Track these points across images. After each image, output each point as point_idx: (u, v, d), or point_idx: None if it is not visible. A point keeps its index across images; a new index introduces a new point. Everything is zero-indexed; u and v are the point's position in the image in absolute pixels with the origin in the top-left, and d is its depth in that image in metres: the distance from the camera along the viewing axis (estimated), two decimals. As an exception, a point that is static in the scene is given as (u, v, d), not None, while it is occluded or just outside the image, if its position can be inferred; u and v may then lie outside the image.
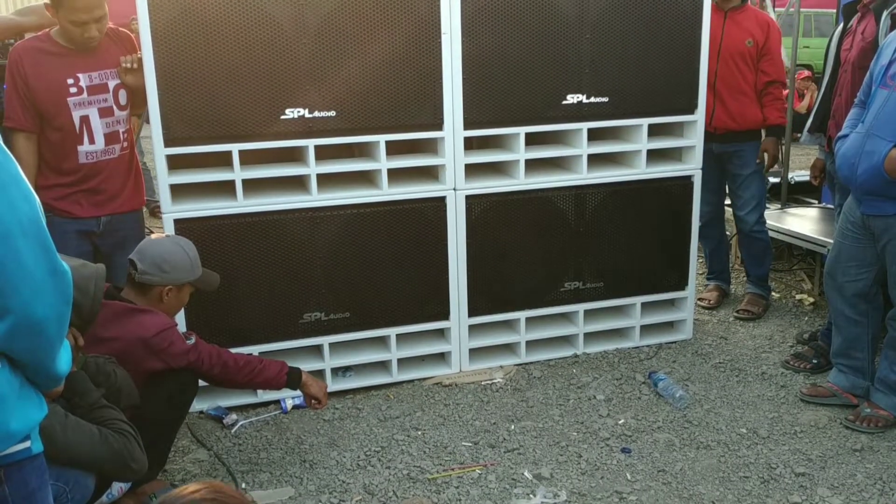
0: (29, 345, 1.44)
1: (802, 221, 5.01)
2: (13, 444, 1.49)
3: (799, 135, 4.58)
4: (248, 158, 3.46)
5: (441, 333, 3.94)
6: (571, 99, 3.76)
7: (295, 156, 3.65)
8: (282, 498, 2.95)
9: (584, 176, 3.87)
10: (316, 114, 3.43)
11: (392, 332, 3.77)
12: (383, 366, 3.86)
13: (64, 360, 1.57)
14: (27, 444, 1.53)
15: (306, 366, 3.36)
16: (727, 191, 4.72)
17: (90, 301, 2.23)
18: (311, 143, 3.45)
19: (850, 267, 3.42)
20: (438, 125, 3.60)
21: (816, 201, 5.53)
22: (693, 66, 3.92)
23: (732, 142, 4.44)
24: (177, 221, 3.37)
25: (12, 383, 1.47)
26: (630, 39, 3.78)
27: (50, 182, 3.35)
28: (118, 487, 2.70)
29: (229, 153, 3.38)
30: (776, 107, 4.38)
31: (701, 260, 5.14)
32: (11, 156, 1.43)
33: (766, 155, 4.47)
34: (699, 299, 4.73)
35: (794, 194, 5.65)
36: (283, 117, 3.40)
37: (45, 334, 1.45)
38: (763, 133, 4.48)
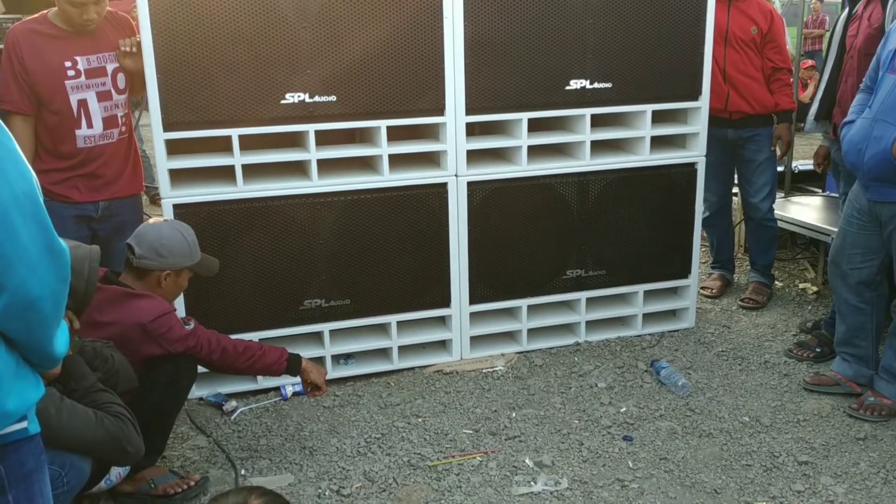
0: (24, 323, 1.42)
1: (806, 210, 4.98)
2: (9, 425, 1.46)
3: (802, 124, 4.55)
4: (248, 143, 3.42)
5: (442, 321, 3.91)
6: (575, 84, 3.73)
7: (295, 141, 3.62)
8: (281, 485, 2.93)
9: (587, 162, 3.84)
10: (316, 98, 3.40)
11: (392, 319, 3.75)
12: (384, 353, 3.84)
13: (61, 341, 1.54)
14: (24, 424, 1.50)
15: (306, 353, 3.33)
16: (737, 179, 4.70)
17: (84, 283, 2.20)
18: (311, 128, 3.42)
19: (855, 255, 3.39)
20: (440, 110, 3.57)
21: (820, 190, 5.50)
22: (697, 52, 3.88)
23: (748, 126, 4.43)
24: (176, 207, 3.34)
25: (8, 363, 1.44)
26: (634, 25, 3.74)
27: (47, 166, 3.32)
28: (116, 473, 2.69)
29: (229, 138, 3.34)
30: (785, 92, 4.40)
31: (704, 248, 5.11)
32: (7, 131, 1.41)
33: (779, 142, 4.46)
34: (702, 288, 4.71)
35: (798, 183, 5.62)
36: (283, 102, 3.36)
37: (41, 313, 1.42)
38: (775, 119, 4.47)
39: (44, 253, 1.40)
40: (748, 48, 4.32)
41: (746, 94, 4.35)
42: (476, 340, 3.94)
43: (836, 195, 4.47)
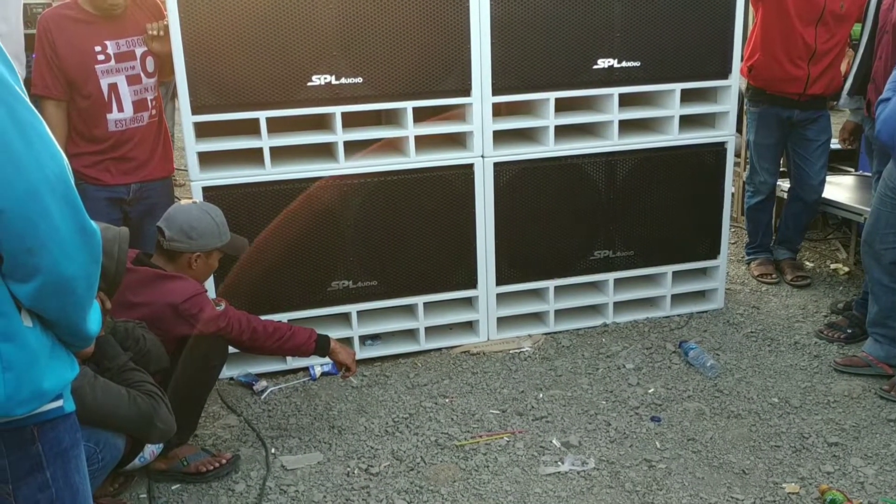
0: (59, 304, 1.44)
1: (838, 189, 4.89)
2: (46, 403, 1.49)
3: (835, 102, 4.46)
4: (274, 126, 3.44)
5: (469, 302, 3.92)
6: (602, 63, 3.69)
7: (322, 123, 3.63)
8: (310, 463, 2.97)
9: (614, 142, 3.81)
10: (343, 80, 3.40)
11: (420, 300, 3.76)
12: (411, 334, 3.86)
13: (94, 320, 1.57)
14: (59, 402, 1.53)
15: (334, 333, 3.36)
16: (791, 159, 4.59)
17: (115, 263, 2.23)
18: (337, 110, 3.42)
19: (888, 234, 3.33)
20: (466, 91, 3.56)
21: (853, 169, 5.40)
22: (728, 29, 3.82)
23: (815, 108, 4.35)
24: (205, 189, 3.38)
25: (44, 343, 1.47)
26: (663, 2, 3.69)
27: (80, 150, 3.37)
28: (150, 451, 2.74)
29: (256, 121, 3.37)
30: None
31: (733, 230, 5.05)
32: (38, 114, 1.42)
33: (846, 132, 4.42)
34: (760, 276, 4.61)
35: (831, 162, 5.48)
36: (309, 84, 3.37)
37: (75, 293, 1.44)
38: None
39: (76, 234, 1.42)
40: (835, 25, 4.20)
41: (826, 77, 4.24)
42: (503, 321, 3.94)
43: (869, 174, 4.39)
